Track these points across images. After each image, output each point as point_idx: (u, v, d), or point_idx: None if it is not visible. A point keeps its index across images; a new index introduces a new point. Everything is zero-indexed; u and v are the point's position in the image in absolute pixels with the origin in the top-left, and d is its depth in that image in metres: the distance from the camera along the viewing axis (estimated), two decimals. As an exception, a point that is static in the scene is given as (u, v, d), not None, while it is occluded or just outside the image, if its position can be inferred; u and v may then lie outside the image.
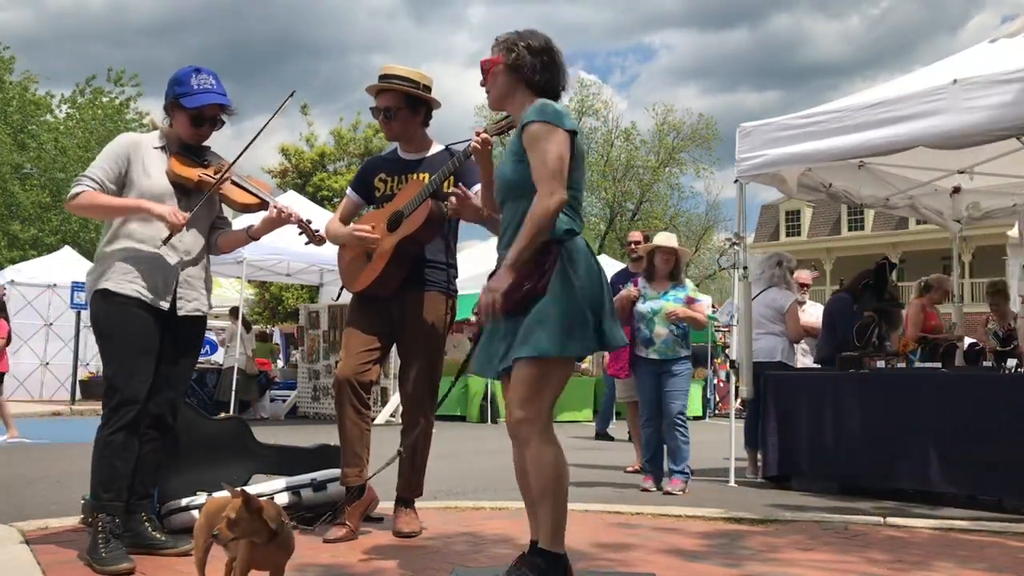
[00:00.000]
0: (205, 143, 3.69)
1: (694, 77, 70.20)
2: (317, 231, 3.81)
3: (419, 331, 3.95)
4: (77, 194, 3.42)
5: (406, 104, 3.99)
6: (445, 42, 77.98)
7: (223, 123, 3.66)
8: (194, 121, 3.57)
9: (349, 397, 3.86)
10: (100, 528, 3.27)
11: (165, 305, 3.48)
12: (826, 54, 68.28)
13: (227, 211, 3.87)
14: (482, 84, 3.10)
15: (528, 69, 2.98)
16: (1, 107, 28.06)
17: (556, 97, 3.04)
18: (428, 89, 4.04)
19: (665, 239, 6.21)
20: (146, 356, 3.43)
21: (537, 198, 2.80)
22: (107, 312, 3.42)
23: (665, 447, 5.94)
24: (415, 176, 4.01)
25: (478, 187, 3.86)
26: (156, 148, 3.57)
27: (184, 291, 3.54)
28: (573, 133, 2.89)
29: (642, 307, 5.98)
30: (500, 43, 3.04)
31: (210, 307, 3.72)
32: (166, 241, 3.43)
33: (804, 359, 7.51)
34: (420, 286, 3.95)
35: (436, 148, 4.13)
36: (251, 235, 3.74)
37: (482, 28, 75.96)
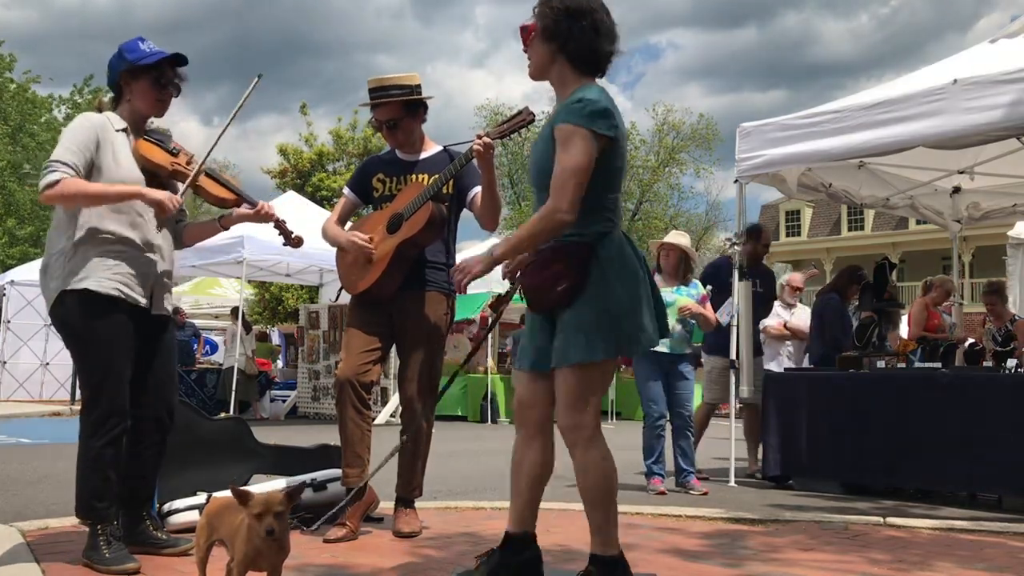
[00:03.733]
0: (166, 129, 3.52)
1: (700, 76, 70.27)
2: (292, 232, 3.71)
3: (419, 331, 3.95)
4: (56, 182, 3.10)
5: (406, 112, 3.99)
6: (451, 42, 78.08)
7: (179, 91, 3.43)
8: (156, 81, 3.32)
9: (350, 397, 3.85)
10: (100, 531, 3.21)
11: (146, 303, 3.31)
12: (834, 53, 68.20)
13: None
14: (524, 51, 2.88)
15: (562, 36, 2.75)
16: (0, 106, 28.07)
17: (598, 64, 2.82)
18: (420, 88, 4.03)
19: (673, 237, 6.18)
20: (130, 362, 3.27)
21: (547, 207, 2.72)
22: (87, 315, 3.18)
23: (678, 448, 5.88)
24: (414, 177, 4.01)
25: (478, 189, 3.87)
26: (119, 131, 3.29)
27: (160, 286, 3.39)
28: (610, 138, 2.72)
29: None
30: (539, 6, 2.81)
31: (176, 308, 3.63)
32: (160, 228, 3.24)
33: (789, 362, 7.48)
34: (420, 286, 3.95)
35: (435, 149, 4.13)
36: (222, 224, 3.59)
37: (488, 28, 75.99)
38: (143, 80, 3.33)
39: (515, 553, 2.93)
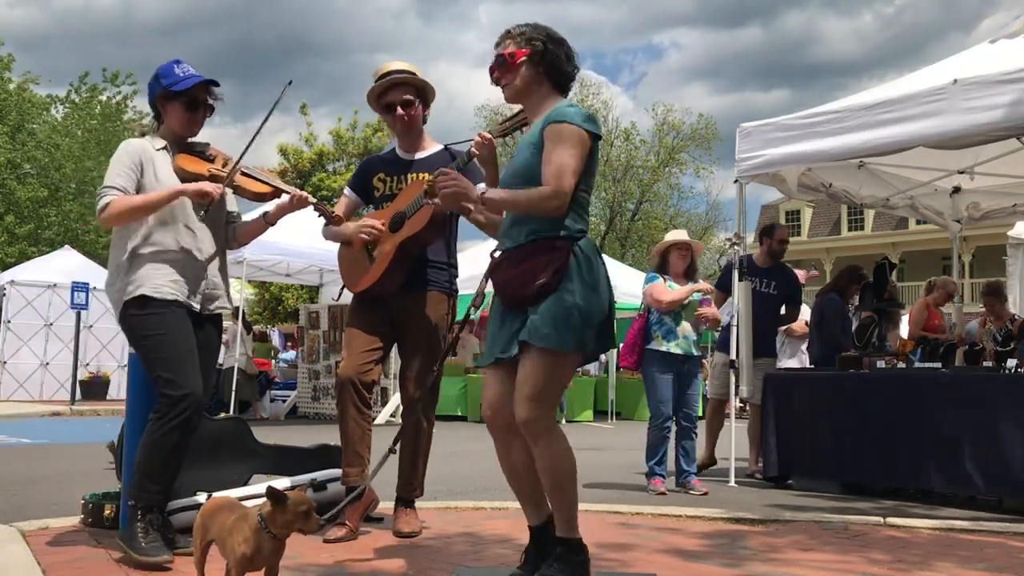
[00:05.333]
0: (205, 141, 3.69)
1: (703, 76, 70.15)
2: (333, 212, 3.85)
3: (420, 331, 3.95)
4: (106, 204, 3.38)
5: (417, 95, 4.02)
6: (453, 42, 77.91)
7: (213, 109, 3.64)
8: (188, 106, 3.54)
9: (351, 397, 3.85)
10: (141, 518, 3.28)
11: (196, 305, 3.51)
12: (837, 53, 68.00)
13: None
14: (498, 78, 3.03)
15: (556, 61, 2.98)
16: (-1, 105, 28.09)
17: (569, 84, 3.08)
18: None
19: (678, 235, 6.13)
20: (193, 353, 3.43)
21: (546, 190, 2.80)
22: (147, 317, 3.39)
23: (681, 449, 5.86)
24: (414, 176, 4.01)
25: (482, 186, 3.87)
26: (159, 150, 3.55)
27: (210, 291, 3.58)
28: (598, 137, 2.94)
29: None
30: (519, 36, 3.00)
31: (231, 305, 3.75)
32: (206, 212, 3.43)
33: (796, 359, 7.47)
34: (421, 286, 3.95)
35: (436, 147, 4.13)
36: (268, 220, 3.74)
37: (491, 28, 75.78)
38: (176, 103, 3.55)
39: (546, 541, 2.95)
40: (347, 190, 4.19)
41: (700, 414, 6.04)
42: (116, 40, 61.44)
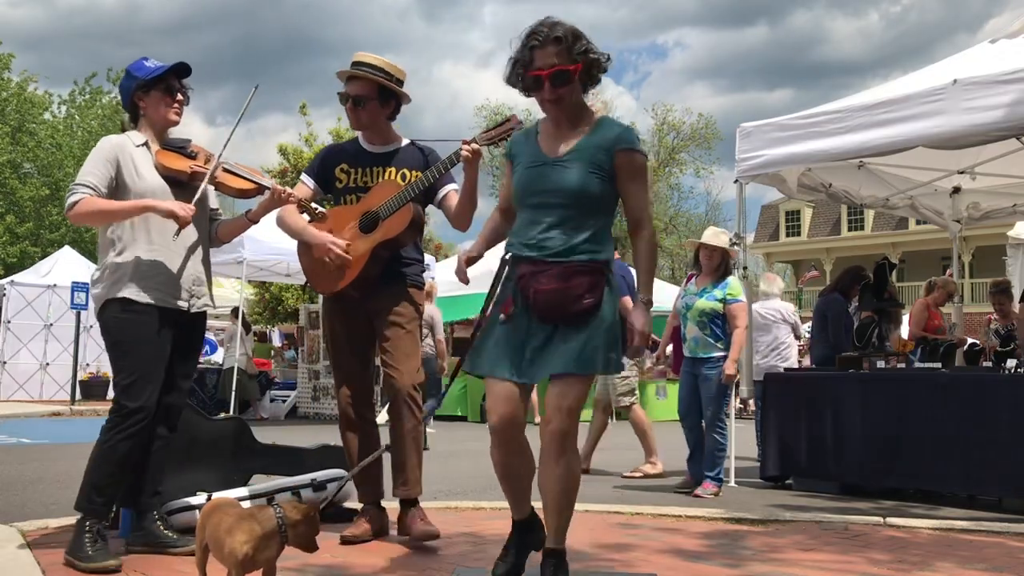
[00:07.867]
0: (186, 138, 3.63)
1: (707, 76, 70.19)
2: (317, 209, 3.73)
3: (399, 326, 3.85)
4: (75, 202, 3.34)
5: (378, 95, 3.85)
6: (457, 41, 77.90)
7: (188, 99, 3.60)
8: (168, 91, 3.51)
9: (356, 424, 3.88)
10: (87, 528, 3.26)
11: (184, 305, 3.48)
12: (842, 52, 67.99)
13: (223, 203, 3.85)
14: (561, 96, 2.89)
15: (598, 66, 2.93)
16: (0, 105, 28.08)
17: None
18: (400, 83, 3.92)
19: (713, 239, 6.04)
20: (161, 364, 3.42)
21: (649, 231, 2.99)
22: (125, 322, 3.37)
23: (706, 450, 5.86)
24: (380, 170, 3.90)
25: (448, 188, 3.85)
26: (139, 147, 3.49)
27: (196, 288, 3.54)
28: None
29: (679, 303, 6.02)
30: (573, 47, 2.85)
31: (214, 303, 3.72)
32: (176, 235, 3.38)
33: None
34: (396, 281, 3.87)
35: (402, 142, 3.99)
36: (250, 218, 3.68)
37: (495, 28, 75.69)
38: (154, 93, 3.53)
39: (531, 530, 3.06)
40: (305, 177, 4.00)
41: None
42: (120, 40, 61.54)
